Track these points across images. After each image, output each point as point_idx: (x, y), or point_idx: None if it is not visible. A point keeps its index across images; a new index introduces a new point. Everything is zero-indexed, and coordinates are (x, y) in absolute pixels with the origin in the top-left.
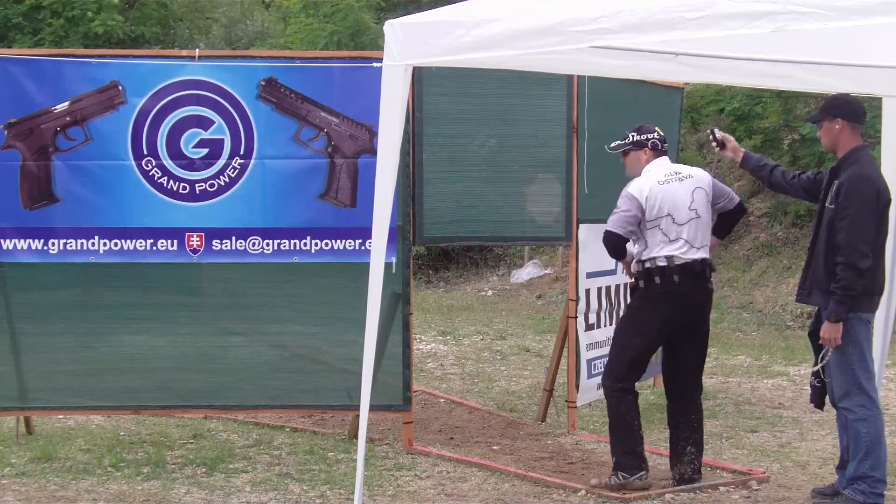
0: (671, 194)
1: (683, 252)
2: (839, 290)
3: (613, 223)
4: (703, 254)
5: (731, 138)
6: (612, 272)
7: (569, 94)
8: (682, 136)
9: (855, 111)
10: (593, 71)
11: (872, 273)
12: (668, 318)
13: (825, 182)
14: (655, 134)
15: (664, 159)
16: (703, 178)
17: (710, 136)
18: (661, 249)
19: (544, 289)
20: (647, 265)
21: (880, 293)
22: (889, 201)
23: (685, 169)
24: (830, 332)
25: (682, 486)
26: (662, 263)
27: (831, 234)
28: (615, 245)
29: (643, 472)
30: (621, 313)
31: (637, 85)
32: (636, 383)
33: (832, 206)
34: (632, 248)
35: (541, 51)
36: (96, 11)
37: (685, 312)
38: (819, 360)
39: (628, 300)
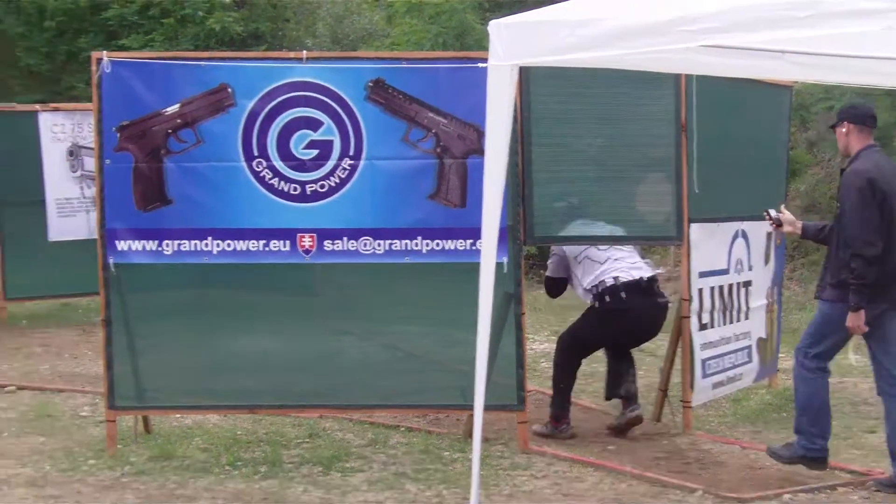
0: None
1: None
2: (853, 279)
3: None
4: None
5: (787, 215)
6: (725, 271)
7: (677, 93)
8: (792, 135)
9: (859, 114)
10: (700, 70)
11: (884, 262)
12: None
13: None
14: None
15: None
16: None
17: (767, 217)
18: None
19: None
20: None
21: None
22: (887, 193)
23: None
24: (851, 320)
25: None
26: None
27: (840, 232)
28: None
29: (565, 426)
30: (735, 312)
31: (746, 83)
32: None
33: (838, 206)
34: None
35: (647, 50)
36: (207, 11)
37: None
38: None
39: (742, 298)
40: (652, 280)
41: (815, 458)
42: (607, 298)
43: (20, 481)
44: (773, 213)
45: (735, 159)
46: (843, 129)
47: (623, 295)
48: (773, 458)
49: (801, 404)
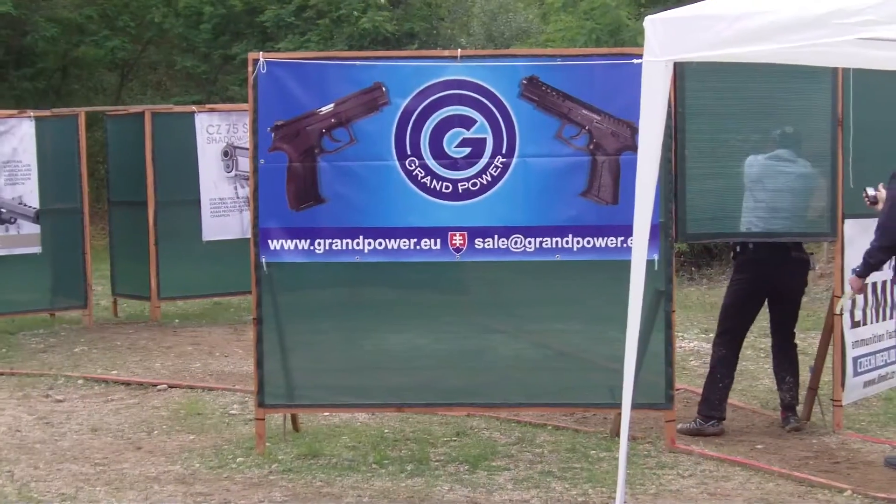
0: None
1: None
2: (866, 254)
3: None
4: None
5: (883, 193)
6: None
7: (834, 87)
8: None
9: None
10: (859, 63)
11: None
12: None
13: None
14: None
15: None
16: None
17: (864, 196)
18: None
19: (808, 285)
20: None
21: None
22: None
23: None
24: (851, 282)
25: None
26: None
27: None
28: None
29: (715, 421)
30: (888, 310)
31: None
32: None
33: None
34: None
35: (804, 44)
36: (362, 11)
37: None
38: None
39: None
40: None
41: None
42: (738, 248)
43: (170, 478)
44: (870, 191)
45: (891, 154)
46: None
47: (750, 245)
48: (887, 467)
49: None
